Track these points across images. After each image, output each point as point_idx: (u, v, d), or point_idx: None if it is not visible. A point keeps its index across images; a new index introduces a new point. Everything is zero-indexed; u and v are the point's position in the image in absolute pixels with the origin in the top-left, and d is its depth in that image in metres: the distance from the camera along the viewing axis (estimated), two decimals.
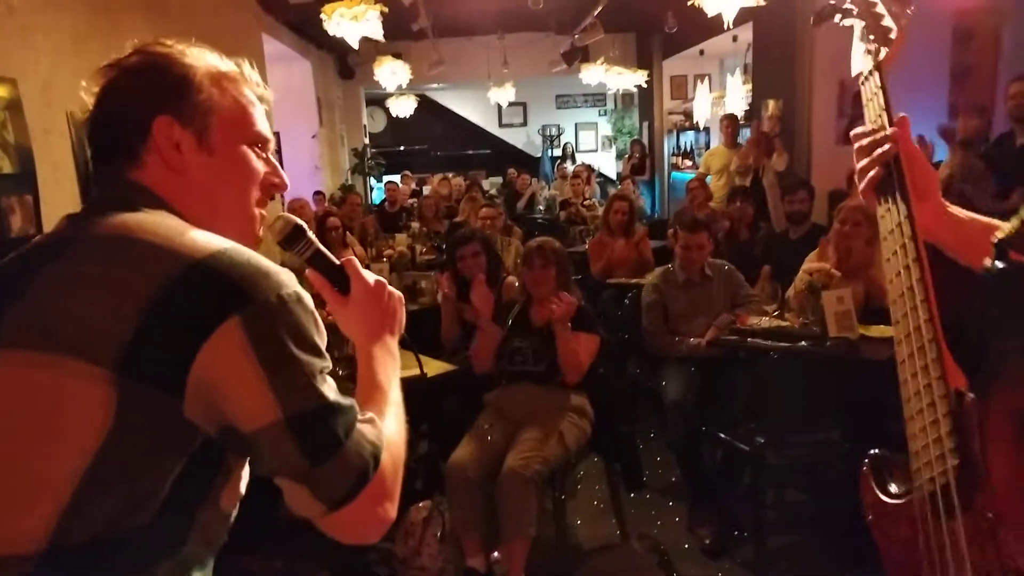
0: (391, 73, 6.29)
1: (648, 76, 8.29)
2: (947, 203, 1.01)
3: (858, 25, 1.04)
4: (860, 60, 1.03)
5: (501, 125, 13.41)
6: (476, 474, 2.61)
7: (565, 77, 8.76)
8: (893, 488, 0.90)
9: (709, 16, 4.51)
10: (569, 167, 11.19)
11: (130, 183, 0.87)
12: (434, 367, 2.95)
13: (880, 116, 0.95)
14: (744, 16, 4.87)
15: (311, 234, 0.98)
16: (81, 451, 0.72)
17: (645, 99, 10.26)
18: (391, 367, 0.99)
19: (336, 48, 8.58)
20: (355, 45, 4.39)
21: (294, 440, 0.75)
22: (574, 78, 8.18)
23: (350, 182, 9.67)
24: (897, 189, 0.90)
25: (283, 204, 6.27)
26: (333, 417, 0.78)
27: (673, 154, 10.53)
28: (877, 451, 0.93)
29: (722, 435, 2.99)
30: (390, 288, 1.03)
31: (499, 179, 11.16)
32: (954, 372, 0.83)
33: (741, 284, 3.57)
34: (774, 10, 4.83)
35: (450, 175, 10.30)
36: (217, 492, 0.81)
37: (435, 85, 11.01)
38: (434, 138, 13.15)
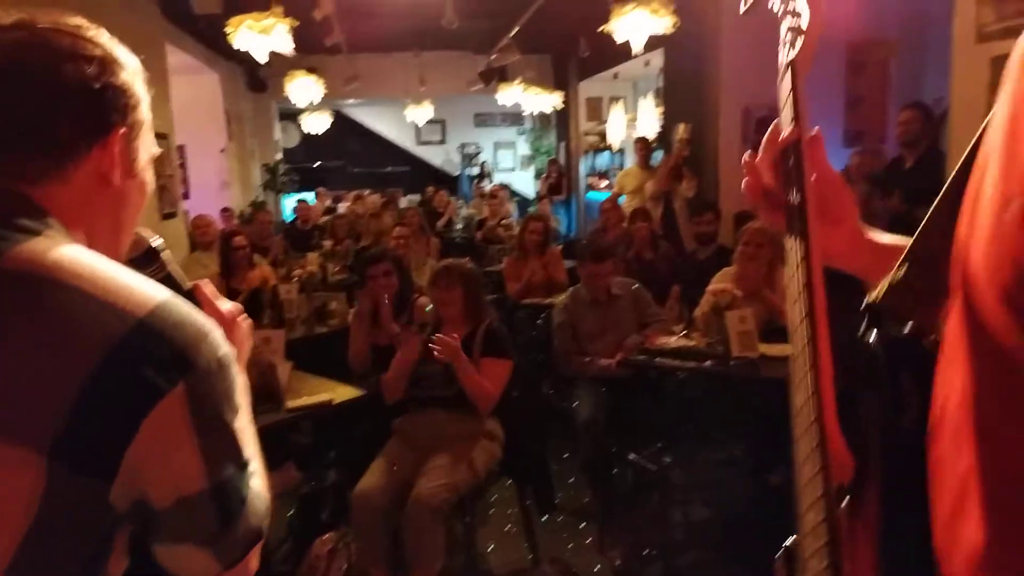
0: (303, 88, 6.15)
1: (564, 98, 8.43)
2: (866, 227, 0.86)
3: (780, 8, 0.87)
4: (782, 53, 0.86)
5: (419, 142, 13.33)
6: (383, 503, 2.54)
7: (483, 96, 8.80)
8: None
9: (619, 43, 4.63)
10: (487, 186, 11.24)
11: (19, 195, 0.71)
12: (342, 393, 2.87)
13: (792, 123, 0.79)
14: (654, 43, 5.02)
15: (165, 255, 0.90)
16: None
17: (562, 120, 10.43)
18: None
19: (246, 60, 8.32)
20: (263, 59, 4.26)
21: (214, 506, 0.71)
22: (492, 97, 8.23)
23: (261, 198, 9.39)
24: (798, 222, 0.74)
25: (186, 221, 6.02)
26: (243, 475, 0.74)
27: (589, 174, 10.71)
28: (795, 539, 0.69)
29: (630, 455, 3.02)
30: (240, 319, 0.96)
31: (418, 196, 11.07)
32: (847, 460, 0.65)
33: (649, 303, 3.64)
34: (682, 38, 4.98)
35: (366, 192, 10.15)
36: (107, 565, 0.72)
37: (351, 101, 10.86)
38: (351, 154, 12.92)
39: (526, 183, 12.75)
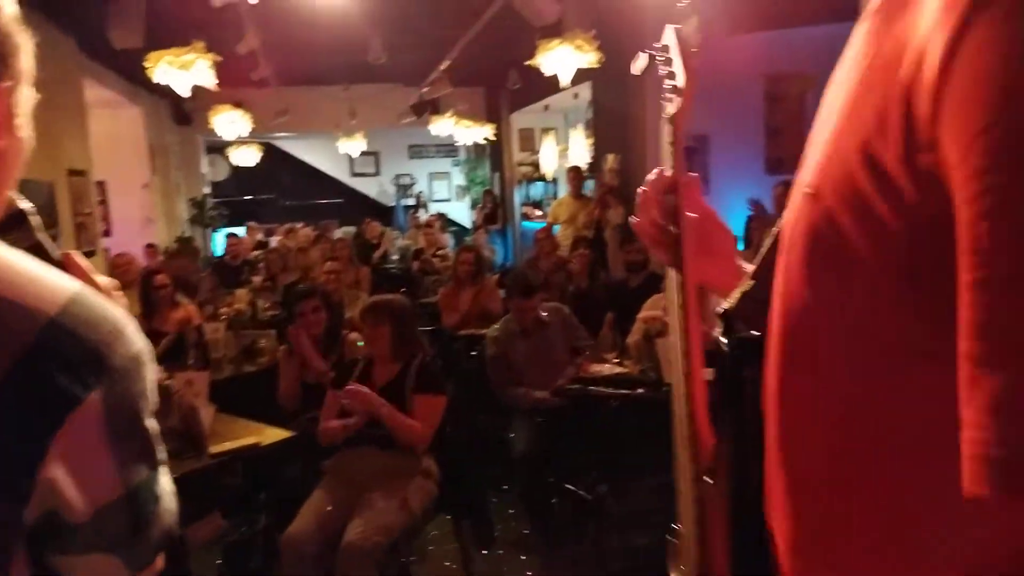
0: (230, 122, 6.04)
1: (496, 129, 8.51)
2: (743, 264, 0.96)
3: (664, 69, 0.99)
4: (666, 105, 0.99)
5: (353, 174, 13.23)
6: (314, 548, 2.46)
7: (417, 128, 8.83)
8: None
9: (547, 76, 4.73)
10: (423, 216, 11.22)
11: None
12: (270, 435, 2.78)
13: (672, 167, 0.91)
14: (582, 76, 5.14)
15: (34, 220, 0.84)
16: None
17: (496, 150, 10.54)
18: None
19: (170, 93, 8.15)
20: (185, 94, 4.18)
21: (128, 512, 0.65)
22: (426, 128, 8.25)
23: (188, 234, 9.13)
24: (675, 253, 0.88)
25: (107, 259, 5.80)
26: (156, 475, 0.69)
27: (523, 204, 10.82)
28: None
29: (567, 486, 3.02)
30: (116, 292, 0.92)
31: (353, 229, 10.96)
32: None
33: (577, 327, 3.69)
34: (608, 72, 5.11)
35: (299, 225, 10.00)
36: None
37: (282, 134, 10.72)
38: (283, 187, 12.73)
39: (462, 213, 12.78)
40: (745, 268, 0.95)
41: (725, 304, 0.79)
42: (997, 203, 0.36)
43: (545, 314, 3.63)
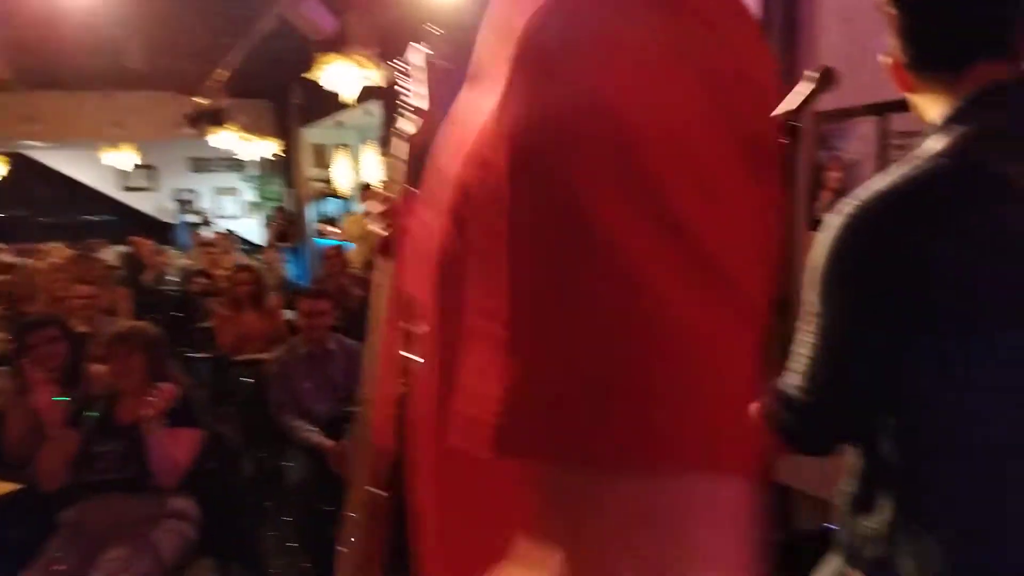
0: None
1: (286, 144, 8.18)
2: None
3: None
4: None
5: (126, 188, 12.05)
6: None
7: (199, 140, 8.24)
8: None
9: (326, 91, 4.61)
10: (208, 234, 10.49)
11: None
12: None
13: (399, 184, 0.96)
14: (372, 94, 5.07)
15: None
16: None
17: (287, 166, 10.14)
18: None
19: None
20: None
21: None
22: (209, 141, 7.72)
23: None
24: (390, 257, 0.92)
25: None
26: None
27: (319, 221, 10.49)
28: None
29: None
30: None
31: (126, 248, 9.97)
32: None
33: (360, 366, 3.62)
34: (397, 91, 5.10)
35: (59, 245, 8.92)
36: None
37: (32, 143, 9.51)
38: (38, 203, 11.29)
39: (253, 231, 12.12)
40: None
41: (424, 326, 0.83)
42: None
43: (332, 344, 3.52)
